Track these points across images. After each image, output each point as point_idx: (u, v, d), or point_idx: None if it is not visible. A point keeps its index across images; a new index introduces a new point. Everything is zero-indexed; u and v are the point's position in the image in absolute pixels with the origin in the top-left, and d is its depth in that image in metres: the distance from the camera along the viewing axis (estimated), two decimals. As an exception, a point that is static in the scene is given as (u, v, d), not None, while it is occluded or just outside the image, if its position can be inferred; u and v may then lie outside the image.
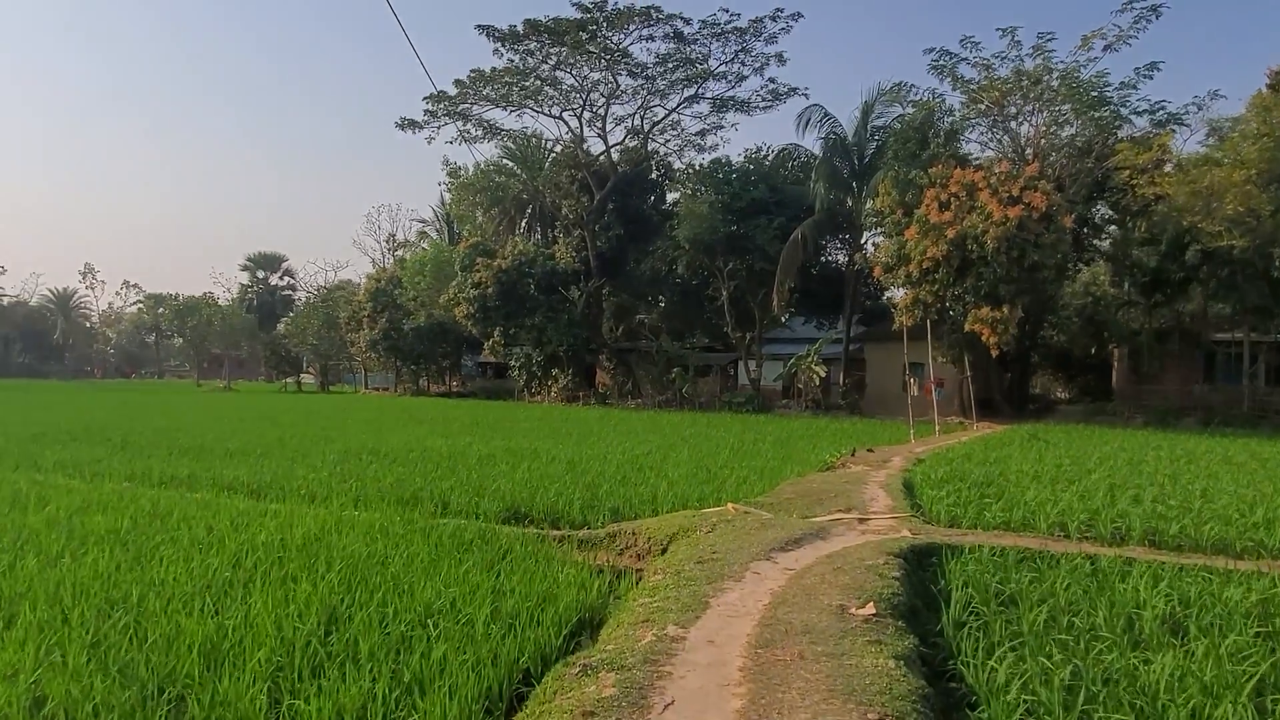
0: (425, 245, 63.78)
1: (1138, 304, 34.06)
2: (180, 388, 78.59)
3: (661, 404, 42.71)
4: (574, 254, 45.25)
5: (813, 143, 49.99)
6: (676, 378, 42.10)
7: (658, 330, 47.96)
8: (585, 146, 45.76)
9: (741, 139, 75.86)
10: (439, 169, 79.46)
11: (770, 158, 42.48)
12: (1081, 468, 14.59)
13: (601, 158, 45.43)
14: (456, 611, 6.09)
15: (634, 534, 9.72)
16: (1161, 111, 33.72)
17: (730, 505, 10.04)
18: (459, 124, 44.19)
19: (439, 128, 44.67)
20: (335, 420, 29.53)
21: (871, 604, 5.72)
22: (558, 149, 46.68)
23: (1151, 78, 34.80)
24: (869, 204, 34.54)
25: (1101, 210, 36.43)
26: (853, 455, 17.26)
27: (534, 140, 47.52)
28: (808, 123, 38.19)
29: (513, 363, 50.08)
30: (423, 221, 73.01)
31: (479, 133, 44.71)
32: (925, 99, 34.84)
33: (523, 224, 52.06)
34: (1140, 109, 33.97)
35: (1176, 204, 30.32)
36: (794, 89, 41.37)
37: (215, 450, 17.92)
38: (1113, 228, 37.33)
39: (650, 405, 42.73)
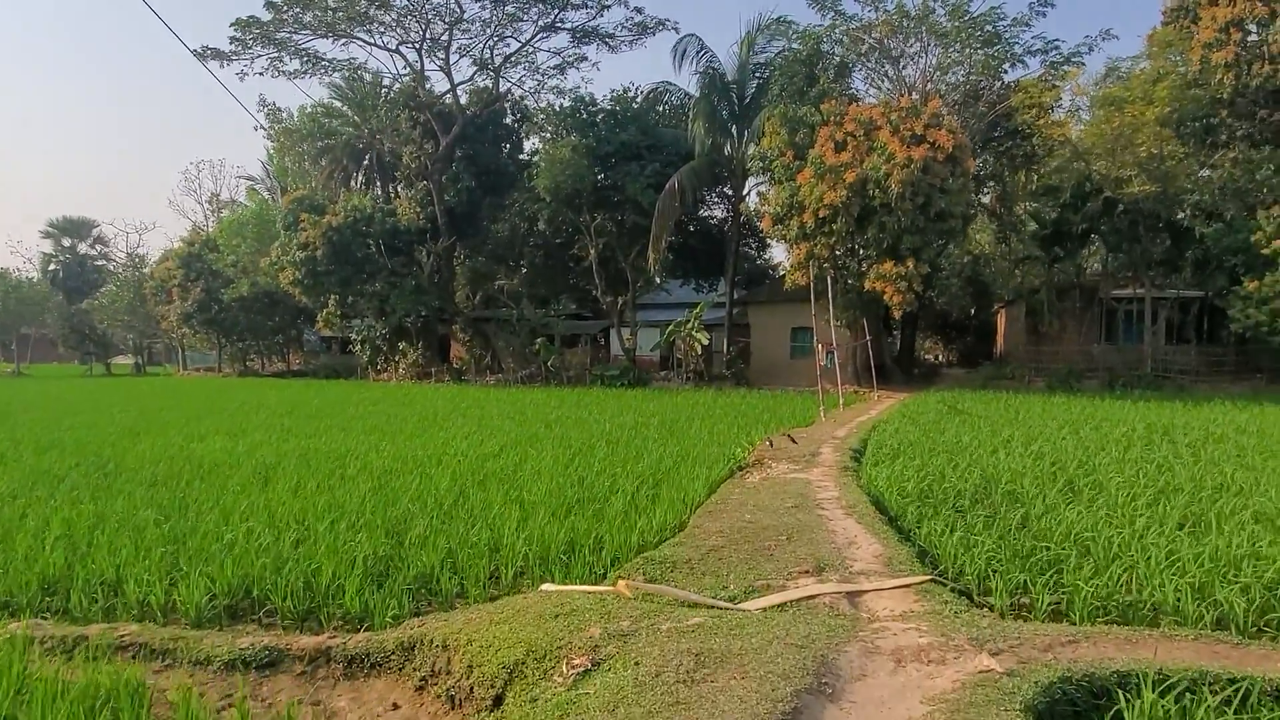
0: (251, 203, 55.93)
1: (1037, 259, 31.73)
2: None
3: (525, 379, 37.89)
4: (419, 209, 39.39)
5: (689, 81, 45.95)
6: (541, 349, 37.32)
7: (519, 296, 42.86)
8: (427, 85, 39.74)
9: (607, 80, 70.47)
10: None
11: (640, 99, 37.84)
12: (1068, 453, 11.02)
13: (447, 98, 39.47)
14: None
15: (445, 650, 5.14)
16: (1055, 52, 31.22)
17: (622, 584, 5.56)
18: (274, 55, 37.18)
19: (251, 60, 37.51)
20: (93, 412, 23.12)
21: None
22: (395, 88, 40.38)
23: (1045, 14, 32.39)
24: (753, 147, 30.62)
25: (981, 163, 33.91)
26: (770, 446, 13.16)
27: (367, 77, 41.05)
28: (683, 55, 33.87)
29: (354, 336, 43.95)
30: (251, 179, 64.49)
31: (300, 66, 37.85)
32: (811, 29, 31.16)
33: (359, 176, 45.47)
34: (1034, 48, 31.38)
35: (1083, 148, 28.00)
36: (663, 21, 36.81)
37: None
38: (992, 183, 35.07)
39: (512, 381, 37.83)
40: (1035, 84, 29.49)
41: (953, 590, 5.55)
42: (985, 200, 36.07)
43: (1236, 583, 5.20)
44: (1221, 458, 11.17)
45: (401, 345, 42.14)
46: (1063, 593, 5.33)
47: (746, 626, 4.73)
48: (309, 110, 43.54)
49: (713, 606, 5.30)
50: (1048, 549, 6.16)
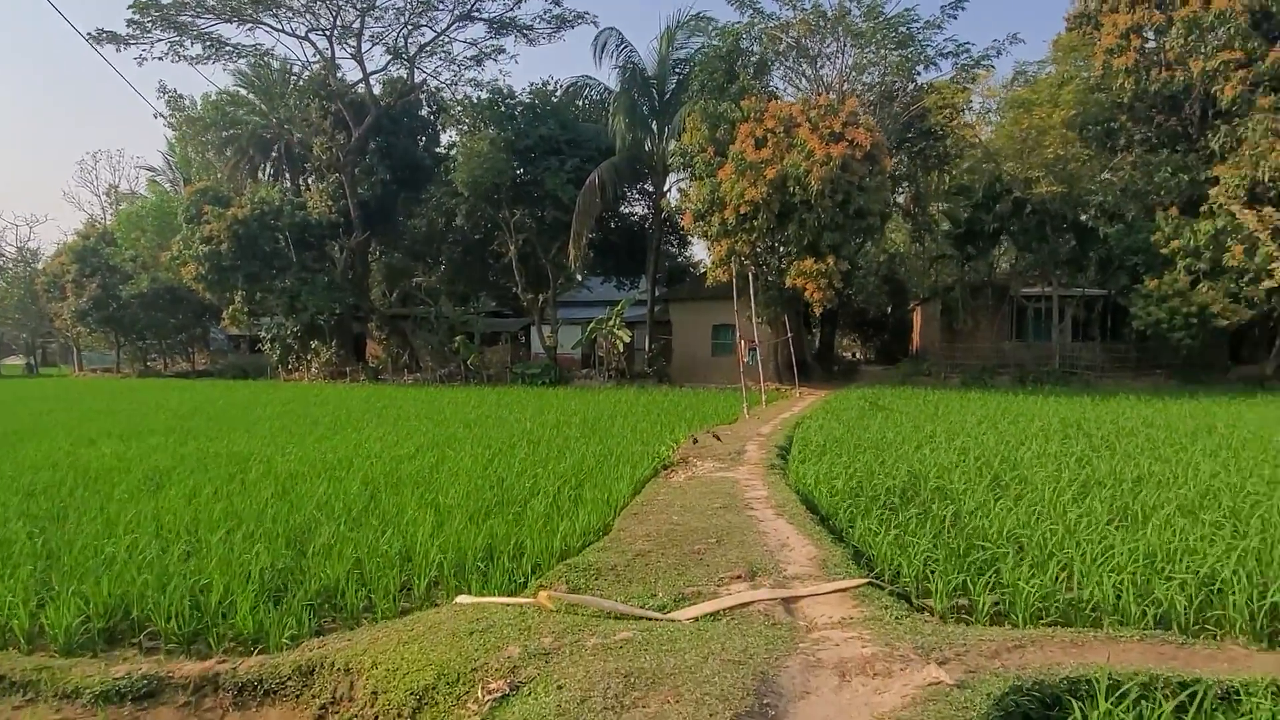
0: (151, 195, 53.16)
1: (951, 257, 32.41)
2: None
3: (444, 378, 36.97)
4: (331, 203, 37.95)
5: (609, 76, 45.50)
6: (460, 348, 36.43)
7: (437, 293, 41.78)
8: (339, 74, 38.27)
9: (526, 75, 69.41)
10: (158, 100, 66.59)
11: (560, 93, 37.22)
12: (990, 447, 11.07)
13: (359, 88, 38.11)
14: None
15: (348, 674, 4.66)
16: (966, 55, 31.95)
17: (544, 595, 5.15)
18: (174, 39, 35.23)
19: (151, 44, 35.46)
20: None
21: None
22: (306, 76, 38.81)
23: (955, 18, 33.19)
24: (674, 143, 30.43)
25: (896, 163, 34.59)
26: (695, 443, 12.91)
27: (274, 64, 39.34)
28: (603, 49, 33.44)
29: (263, 334, 42.17)
30: (151, 169, 61.31)
31: (202, 51, 35.94)
32: (731, 26, 31.13)
33: (267, 167, 43.54)
34: (946, 50, 32.04)
35: (994, 149, 28.69)
36: (582, 14, 36.23)
37: None
38: (906, 183, 35.78)
39: (431, 380, 36.88)
40: (948, 85, 30.10)
41: (891, 593, 5.32)
42: (900, 200, 36.75)
43: (1173, 578, 5.10)
44: (1135, 450, 11.37)
45: (314, 344, 40.61)
46: (1003, 593, 5.15)
47: (679, 641, 4.38)
48: (214, 98, 41.50)
49: (641, 618, 4.94)
50: (984, 547, 5.99)
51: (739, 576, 5.70)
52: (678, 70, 34.33)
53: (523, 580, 6.25)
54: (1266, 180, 24.49)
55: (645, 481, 10.21)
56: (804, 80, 33.32)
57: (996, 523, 6.68)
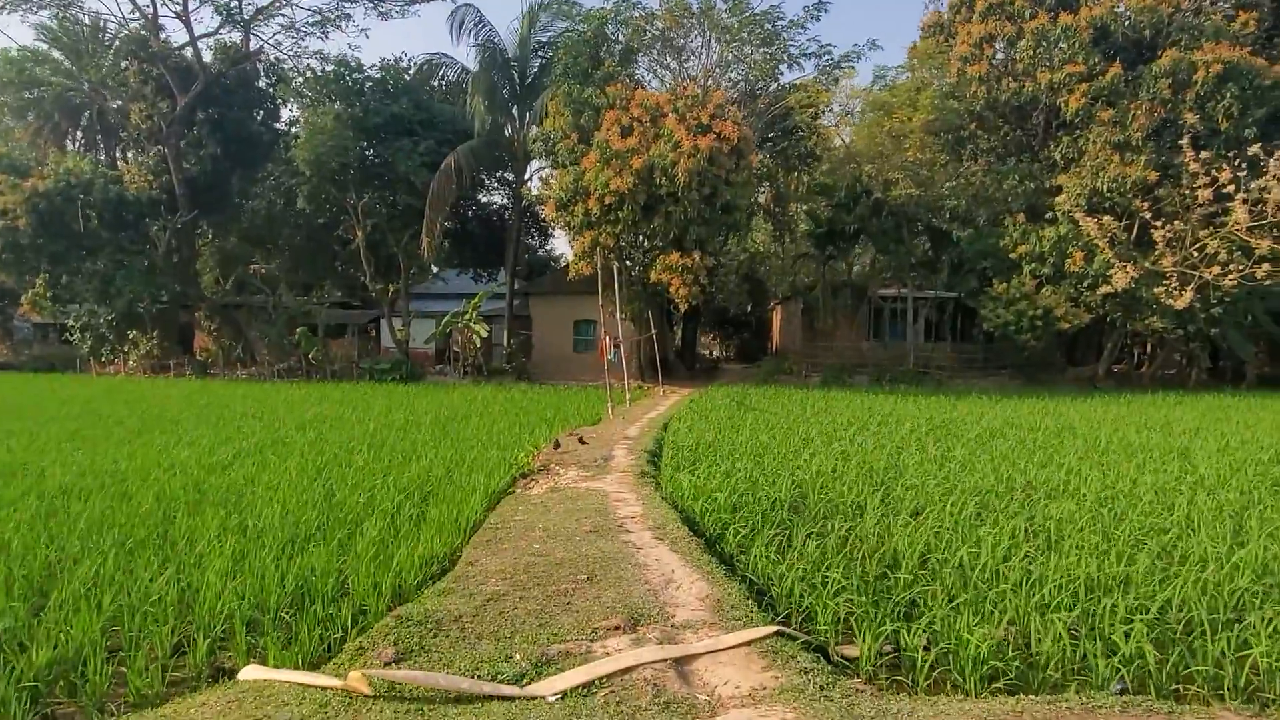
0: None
1: (812, 257, 32.56)
2: None
3: (282, 373, 34.05)
4: (152, 178, 34.19)
5: (468, 55, 43.24)
6: (301, 340, 33.62)
7: (276, 281, 38.55)
8: (163, 35, 34.54)
9: (378, 51, 65.30)
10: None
11: (414, 70, 34.96)
12: (868, 451, 10.43)
13: (186, 51, 34.54)
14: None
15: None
16: (828, 57, 32.15)
17: (355, 676, 3.82)
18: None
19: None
20: None
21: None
22: (124, 35, 34.79)
23: (819, 18, 33.38)
24: (536, 129, 29.03)
25: (759, 162, 34.56)
26: (557, 448, 11.69)
27: (84, 19, 35.10)
28: (461, 26, 31.48)
29: (71, 323, 37.66)
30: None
31: (-3, -1, 31.53)
32: (596, 10, 30.03)
33: (76, 135, 38.94)
34: (809, 50, 32.13)
35: (855, 150, 28.90)
36: (439, -12, 34.26)
37: None
38: (768, 183, 35.86)
39: (268, 375, 33.89)
40: (812, 83, 30.14)
41: (804, 644, 4.30)
42: (761, 199, 36.78)
43: (1131, 619, 4.33)
44: (1010, 454, 11.04)
45: (132, 334, 36.59)
46: (942, 646, 4.22)
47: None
48: (12, 54, 36.64)
49: (492, 697, 3.71)
50: (899, 579, 5.08)
51: (617, 627, 4.55)
52: (540, 53, 32.89)
53: (340, 635, 4.87)
54: (1105, 191, 25.62)
55: (502, 494, 8.93)
56: (669, 74, 32.72)
57: (905, 546, 5.83)
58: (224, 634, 4.92)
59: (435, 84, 35.98)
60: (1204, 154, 24.26)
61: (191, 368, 35.92)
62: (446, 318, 32.92)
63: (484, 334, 31.93)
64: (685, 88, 26.68)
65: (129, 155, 37.26)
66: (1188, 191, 24.91)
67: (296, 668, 4.37)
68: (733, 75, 32.46)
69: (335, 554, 6.23)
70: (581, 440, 12.40)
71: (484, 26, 31.55)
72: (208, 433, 14.19)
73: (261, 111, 37.42)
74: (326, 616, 5.05)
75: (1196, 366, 29.69)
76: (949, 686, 3.94)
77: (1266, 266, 23.54)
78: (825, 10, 31.37)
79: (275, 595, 5.27)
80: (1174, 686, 3.84)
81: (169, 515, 7.64)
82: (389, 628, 4.60)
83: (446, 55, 35.77)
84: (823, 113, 29.71)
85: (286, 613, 5.11)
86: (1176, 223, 25.03)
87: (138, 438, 13.50)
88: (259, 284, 39.05)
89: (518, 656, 4.18)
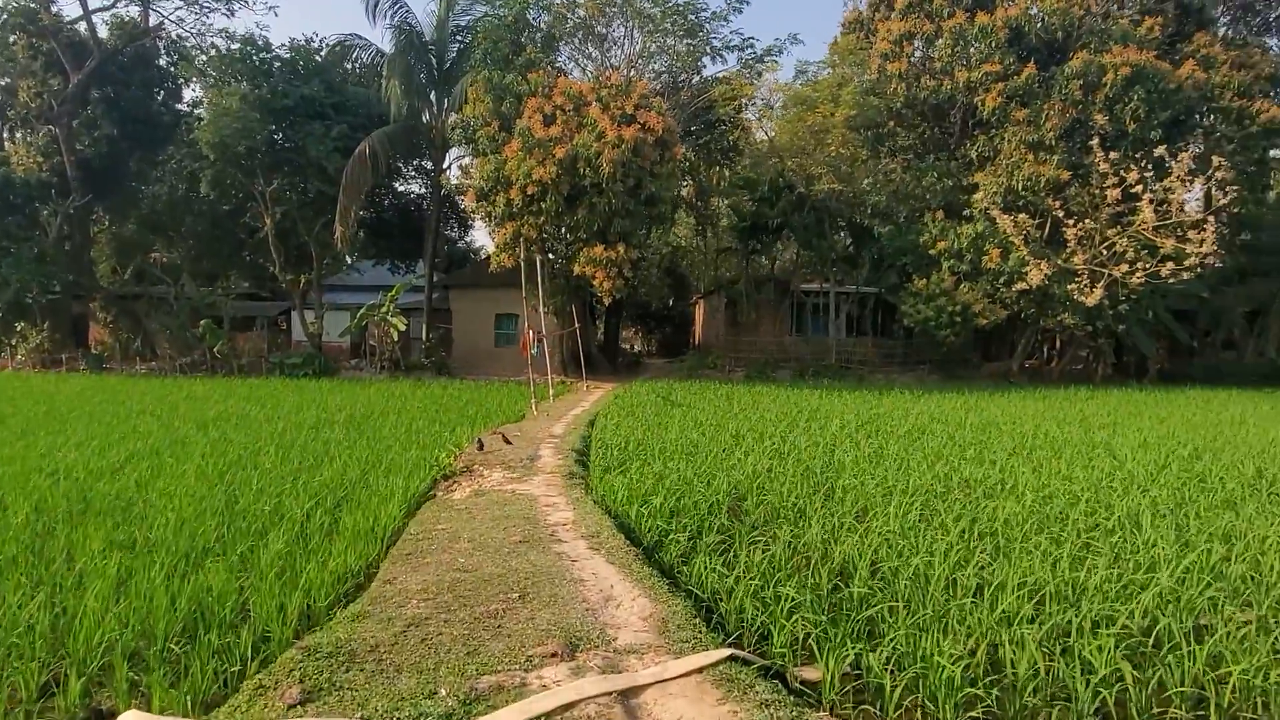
0: None
1: (735, 251, 32.52)
2: None
3: (185, 368, 32.31)
4: (41, 159, 31.99)
5: (383, 37, 41.95)
6: (205, 333, 31.94)
7: (178, 271, 36.58)
8: (53, 7, 32.29)
9: (288, 31, 62.55)
10: None
11: (326, 51, 33.51)
12: (802, 448, 10.24)
13: (80, 26, 32.40)
14: None
15: None
16: (750, 50, 32.11)
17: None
18: None
19: None
20: None
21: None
22: (11, 7, 32.40)
23: (741, 11, 33.33)
24: (455, 116, 28.15)
25: (682, 155, 34.36)
26: (481, 448, 11.13)
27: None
28: (375, 7, 30.28)
29: (-51, 314, 35.03)
30: None
31: None
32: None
33: (-45, 112, 36.23)
34: (732, 43, 32.04)
35: (778, 144, 28.89)
36: (354, -32, 32.91)
37: None
38: (690, 177, 35.73)
39: (169, 370, 32.11)
40: (735, 75, 30.03)
41: (762, 671, 3.95)
42: (684, 193, 36.59)
43: (1095, 630, 4.10)
44: (943, 450, 10.98)
45: (20, 326, 34.28)
46: (909, 670, 3.90)
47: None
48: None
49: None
50: (851, 590, 4.77)
51: (554, 654, 4.11)
52: (459, 38, 31.90)
53: (239, 669, 4.31)
54: (1020, 189, 26.22)
55: (422, 498, 8.38)
56: (591, 63, 32.23)
57: (855, 554, 5.54)
58: (102, 670, 4.31)
59: (349, 66, 34.61)
60: (1113, 154, 25.04)
61: (85, 362, 33.81)
62: (362, 310, 31.74)
63: (402, 327, 30.90)
64: (609, 77, 26.18)
65: (16, 135, 34.82)
66: (1097, 191, 25.69)
67: (185, 713, 3.82)
68: (656, 66, 32.16)
69: (235, 571, 5.62)
70: (505, 439, 11.86)
71: (400, 8, 30.43)
72: (99, 433, 13.12)
73: (162, 91, 35.41)
74: (223, 646, 4.48)
75: (1102, 362, 30.76)
76: (920, 715, 3.63)
77: (1170, 265, 24.44)
78: (747, 3, 31.38)
79: (164, 621, 4.67)
80: (1160, 711, 3.61)
81: (48, 528, 6.89)
82: (295, 661, 4.06)
83: (361, 37, 34.31)
84: (745, 106, 29.60)
85: (176, 642, 4.51)
86: (1087, 221, 25.78)
87: (20, 439, 12.37)
88: (159, 274, 37.03)
89: (443, 692, 3.70)
